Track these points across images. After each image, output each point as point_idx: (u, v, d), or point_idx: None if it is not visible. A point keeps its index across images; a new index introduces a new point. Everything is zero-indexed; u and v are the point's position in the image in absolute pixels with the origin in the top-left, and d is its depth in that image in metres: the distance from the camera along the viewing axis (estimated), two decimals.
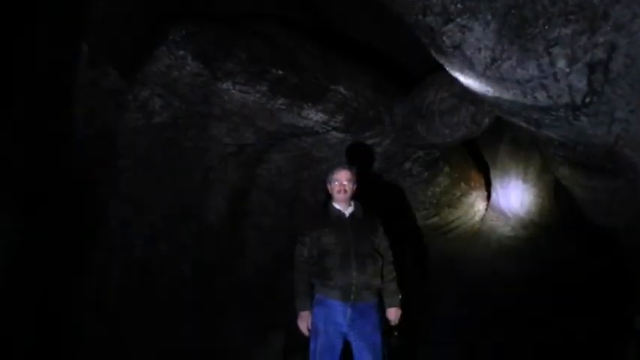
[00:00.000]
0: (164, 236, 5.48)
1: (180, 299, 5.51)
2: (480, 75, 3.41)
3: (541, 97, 3.28)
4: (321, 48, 5.57)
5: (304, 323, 4.19)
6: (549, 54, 2.91)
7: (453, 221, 7.09)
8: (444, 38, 3.28)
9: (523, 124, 4.07)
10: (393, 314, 4.29)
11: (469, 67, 3.41)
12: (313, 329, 4.16)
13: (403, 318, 4.33)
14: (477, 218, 7.31)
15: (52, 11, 4.83)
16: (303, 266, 4.25)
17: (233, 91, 4.96)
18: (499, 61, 3.17)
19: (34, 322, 4.91)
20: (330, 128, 5.39)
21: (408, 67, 6.40)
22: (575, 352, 5.58)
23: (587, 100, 3.11)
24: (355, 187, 4.37)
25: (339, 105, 5.28)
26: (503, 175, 7.15)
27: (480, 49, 3.19)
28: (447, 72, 3.95)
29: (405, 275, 4.59)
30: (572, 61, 2.89)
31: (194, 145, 5.36)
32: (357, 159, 5.31)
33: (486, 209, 7.37)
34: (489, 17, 2.98)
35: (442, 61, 3.69)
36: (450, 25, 3.17)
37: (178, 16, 4.93)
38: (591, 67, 2.88)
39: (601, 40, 2.73)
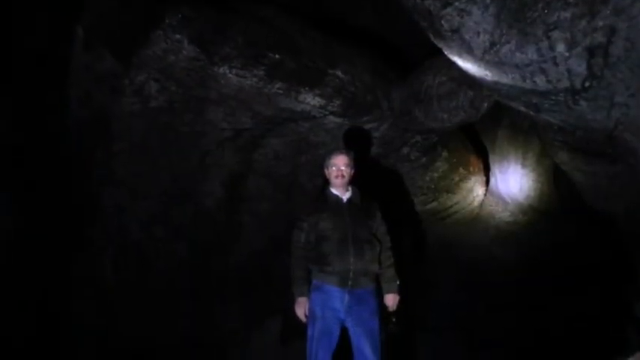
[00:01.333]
0: (160, 221, 5.47)
1: (176, 285, 5.52)
2: (479, 59, 3.39)
3: (540, 82, 3.26)
4: (319, 31, 5.51)
5: (301, 309, 4.19)
6: (548, 38, 2.89)
7: (451, 206, 7.07)
8: (443, 22, 3.26)
9: (522, 109, 4.05)
10: (391, 300, 4.29)
11: (468, 51, 3.39)
12: (311, 315, 4.16)
13: (401, 304, 4.33)
14: (475, 203, 7.29)
15: None
16: (300, 252, 4.24)
17: (230, 75, 4.91)
18: (498, 45, 3.15)
19: (33, 312, 4.92)
20: (327, 113, 5.35)
21: (406, 51, 6.35)
22: (574, 336, 5.59)
23: (587, 84, 3.10)
24: (353, 172, 4.35)
25: (337, 89, 5.24)
26: (502, 159, 7.12)
27: (478, 33, 3.17)
28: (445, 56, 3.93)
29: (403, 261, 4.58)
30: (571, 45, 2.87)
31: (190, 129, 5.33)
32: (355, 144, 5.27)
33: (485, 194, 7.35)
34: (488, 1, 2.96)
35: (441, 45, 3.67)
36: (449, 9, 3.14)
37: None
38: (591, 51, 2.87)
39: (601, 23, 2.71)
